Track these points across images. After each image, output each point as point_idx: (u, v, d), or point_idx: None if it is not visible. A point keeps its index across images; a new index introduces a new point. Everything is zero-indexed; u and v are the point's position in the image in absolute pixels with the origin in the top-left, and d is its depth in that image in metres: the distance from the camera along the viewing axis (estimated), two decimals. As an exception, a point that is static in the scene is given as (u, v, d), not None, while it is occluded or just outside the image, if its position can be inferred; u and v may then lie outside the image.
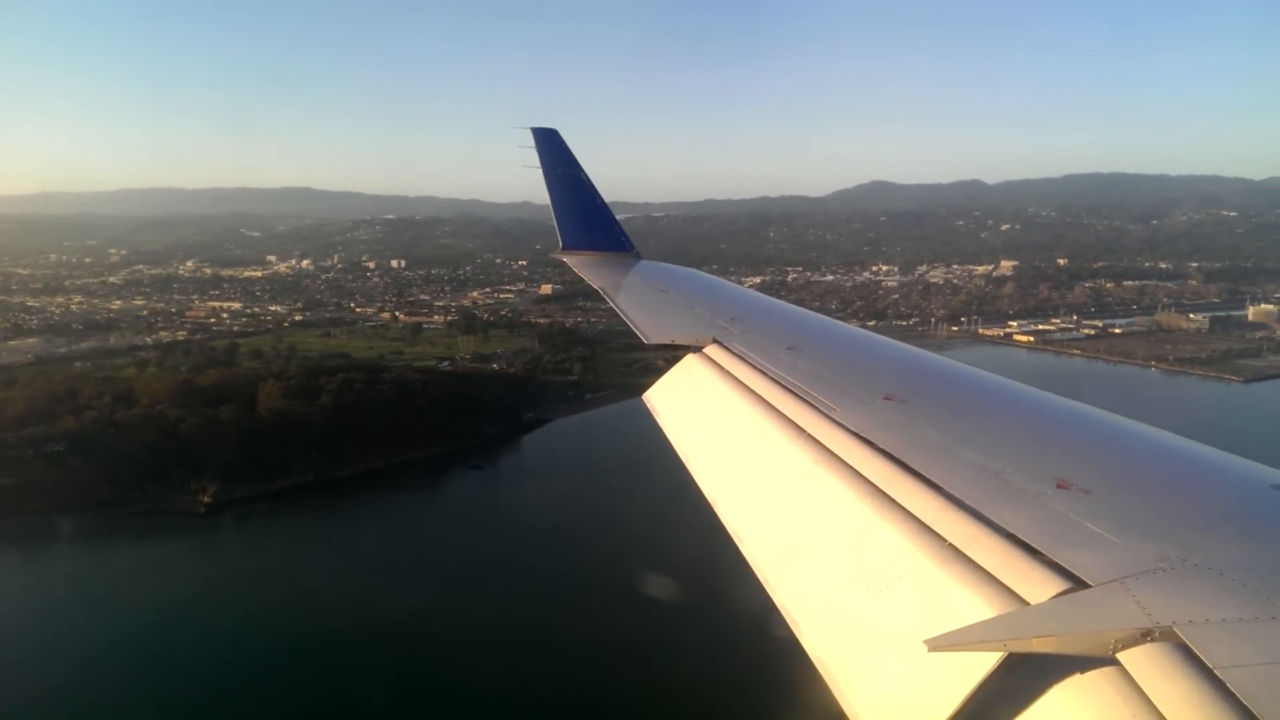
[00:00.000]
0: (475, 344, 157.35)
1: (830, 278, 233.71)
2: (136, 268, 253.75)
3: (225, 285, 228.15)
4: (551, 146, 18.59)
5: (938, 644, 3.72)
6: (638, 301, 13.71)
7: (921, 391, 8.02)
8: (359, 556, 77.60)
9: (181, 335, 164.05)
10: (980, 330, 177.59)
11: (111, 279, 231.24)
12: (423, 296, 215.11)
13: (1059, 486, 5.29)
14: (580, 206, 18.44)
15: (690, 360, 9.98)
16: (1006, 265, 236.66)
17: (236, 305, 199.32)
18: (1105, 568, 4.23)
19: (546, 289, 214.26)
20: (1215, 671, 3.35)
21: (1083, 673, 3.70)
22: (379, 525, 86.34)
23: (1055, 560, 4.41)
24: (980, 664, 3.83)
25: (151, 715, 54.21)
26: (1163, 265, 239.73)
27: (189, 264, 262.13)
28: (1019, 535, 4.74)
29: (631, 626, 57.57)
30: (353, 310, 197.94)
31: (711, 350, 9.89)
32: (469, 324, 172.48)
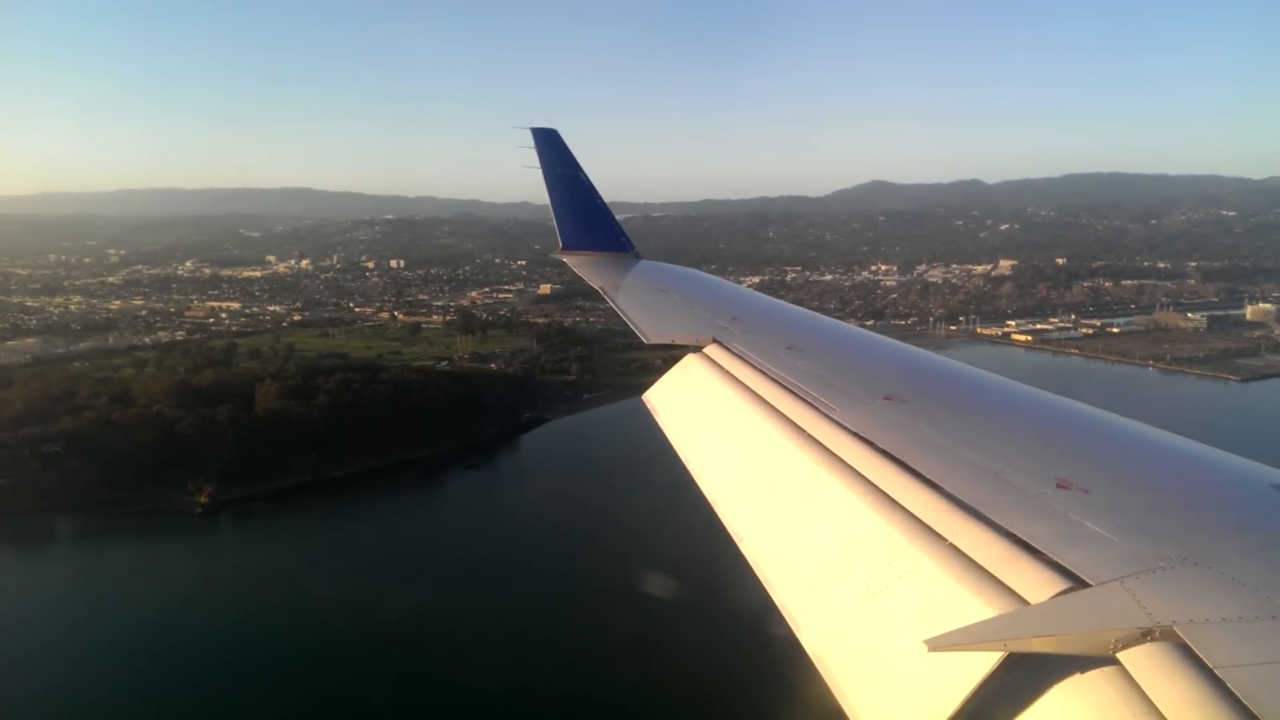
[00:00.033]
0: (473, 344, 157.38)
1: (829, 277, 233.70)
2: (135, 268, 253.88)
3: (224, 285, 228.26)
4: (551, 147, 18.59)
5: (938, 644, 3.73)
6: (638, 301, 13.71)
7: (921, 391, 8.03)
8: (356, 556, 77.63)
9: (180, 335, 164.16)
10: (978, 330, 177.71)
11: (110, 279, 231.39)
12: (421, 296, 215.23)
13: (1059, 486, 5.30)
14: (580, 207, 18.43)
15: (690, 360, 10.00)
16: (1005, 265, 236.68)
17: (235, 305, 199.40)
18: (1105, 567, 4.23)
19: (545, 289, 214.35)
20: (1215, 671, 3.34)
21: (1083, 672, 3.70)
22: (376, 525, 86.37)
23: (1055, 560, 4.41)
24: (980, 664, 3.83)
25: (148, 715, 54.17)
26: (1161, 265, 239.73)
27: (188, 264, 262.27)
28: (1019, 535, 4.74)
29: (630, 626, 57.49)
30: (351, 310, 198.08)
31: (711, 350, 9.91)
32: (467, 324, 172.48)
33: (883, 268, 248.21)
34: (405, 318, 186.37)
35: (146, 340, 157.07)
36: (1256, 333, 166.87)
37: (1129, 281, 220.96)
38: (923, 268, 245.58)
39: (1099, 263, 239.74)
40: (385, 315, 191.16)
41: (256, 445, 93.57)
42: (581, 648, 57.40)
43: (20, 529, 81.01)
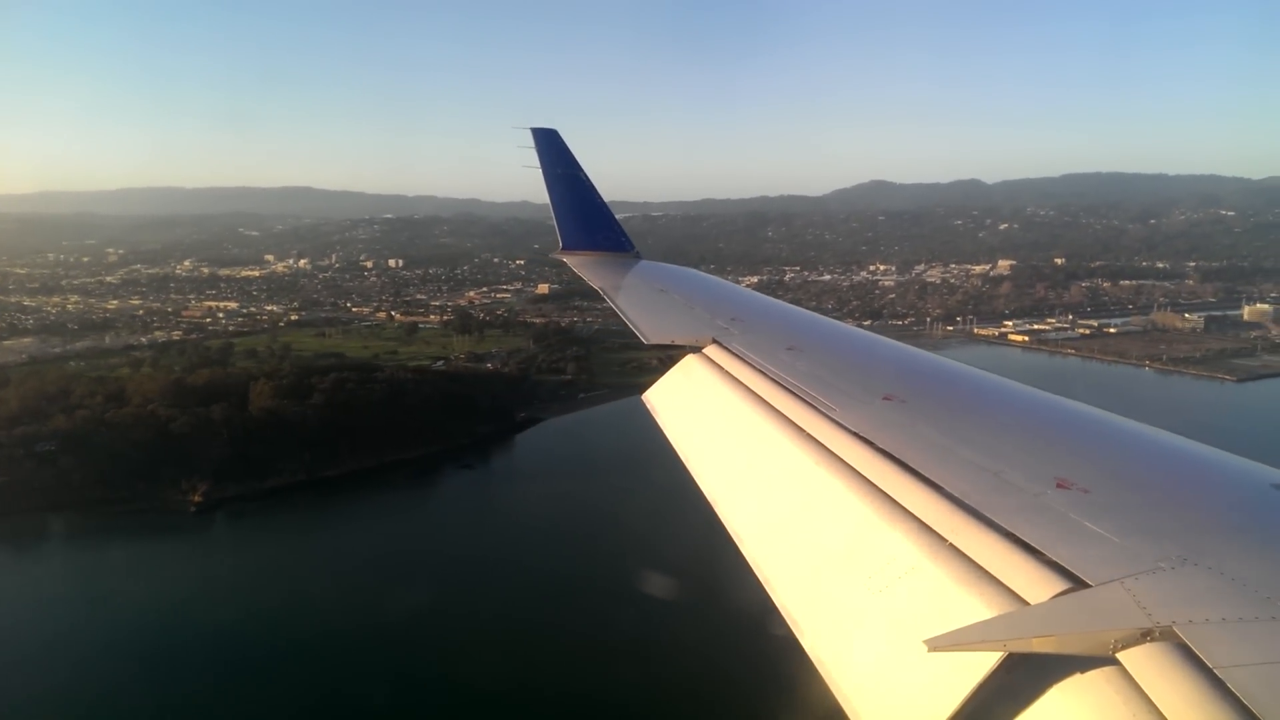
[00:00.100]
0: (470, 343, 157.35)
1: (828, 277, 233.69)
2: (134, 267, 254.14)
3: (222, 285, 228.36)
4: (551, 146, 18.59)
5: (937, 644, 3.73)
6: (637, 302, 13.71)
7: (921, 391, 8.04)
8: (349, 555, 77.56)
9: (177, 335, 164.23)
10: (975, 330, 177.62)
11: (109, 278, 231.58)
12: (419, 296, 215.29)
13: (1059, 486, 5.30)
14: (580, 206, 18.42)
15: (690, 360, 10.00)
16: (1004, 265, 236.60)
17: (233, 305, 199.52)
18: (1105, 567, 4.22)
19: (543, 288, 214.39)
20: (1215, 671, 3.33)
21: (1083, 672, 3.70)
22: (369, 524, 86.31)
23: (1055, 560, 4.40)
24: (980, 664, 3.83)
25: (144, 714, 54.15)
26: (1160, 265, 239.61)
27: (186, 263, 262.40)
28: (1019, 535, 4.73)
29: (629, 626, 57.28)
30: (349, 310, 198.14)
31: (711, 350, 9.91)
32: (464, 323, 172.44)
33: (881, 267, 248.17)
34: (402, 317, 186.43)
35: (143, 340, 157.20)
36: (1254, 333, 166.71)
37: (1127, 282, 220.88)
38: (921, 267, 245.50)
39: (1097, 263, 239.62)
40: (382, 315, 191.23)
41: (251, 444, 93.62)
42: (579, 647, 57.22)
43: (14, 528, 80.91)
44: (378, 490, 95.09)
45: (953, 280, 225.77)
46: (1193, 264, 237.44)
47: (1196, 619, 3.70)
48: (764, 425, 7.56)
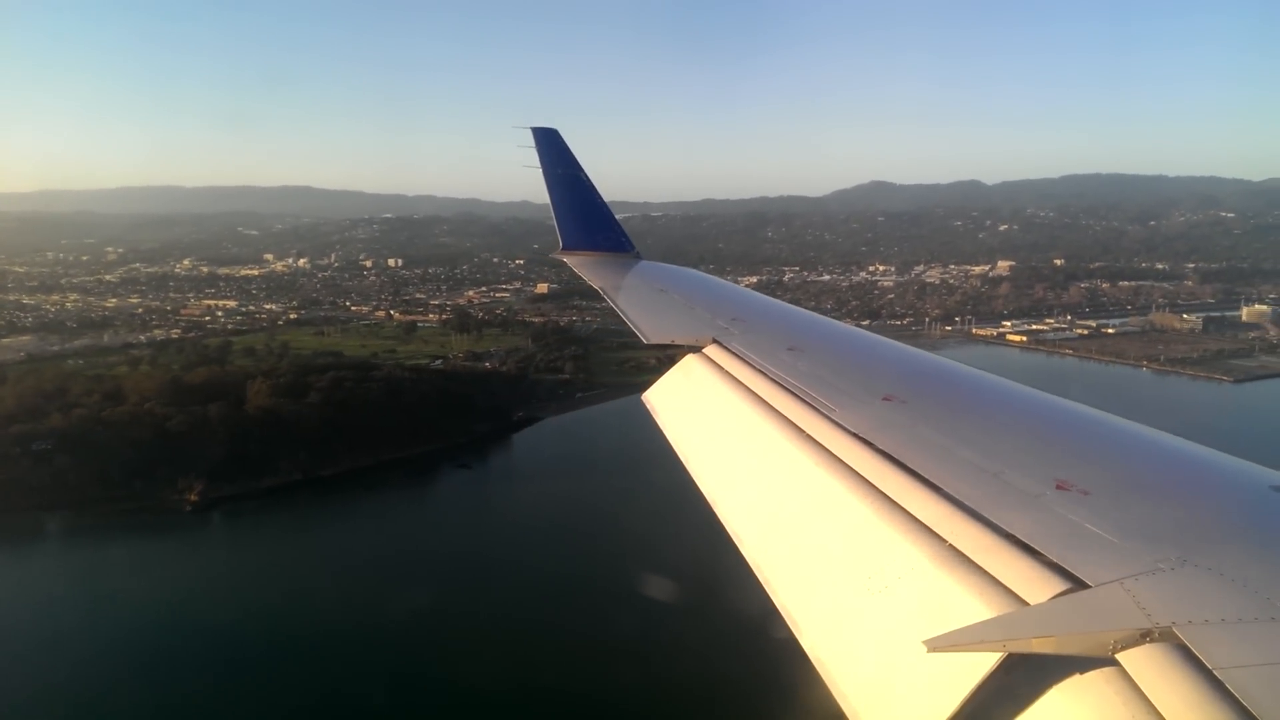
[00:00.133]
0: (469, 343, 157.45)
1: (827, 277, 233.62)
2: (133, 266, 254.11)
3: (221, 283, 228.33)
4: (551, 146, 18.59)
5: (937, 644, 3.72)
6: (637, 302, 13.73)
7: (921, 392, 8.04)
8: (345, 554, 77.72)
9: (175, 333, 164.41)
10: (974, 330, 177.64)
11: (108, 277, 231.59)
12: (418, 295, 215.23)
13: (1058, 487, 5.30)
14: (580, 207, 18.41)
15: (690, 361, 10.02)
16: (1003, 265, 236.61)
17: (232, 303, 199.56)
18: (1104, 568, 4.23)
19: (542, 288, 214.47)
20: (1214, 672, 3.34)
21: (1082, 673, 3.70)
22: (366, 523, 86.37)
23: (1054, 561, 4.41)
24: (979, 664, 3.84)
25: (139, 713, 54.16)
26: (1159, 266, 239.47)
27: (185, 262, 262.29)
28: (1018, 536, 4.74)
29: (627, 626, 57.11)
30: (348, 309, 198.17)
31: (711, 351, 9.93)
32: (463, 322, 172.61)
33: (880, 268, 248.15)
34: (401, 316, 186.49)
35: (141, 338, 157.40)
36: (1251, 334, 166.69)
37: (1126, 283, 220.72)
38: (920, 268, 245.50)
39: (1097, 264, 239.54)
40: (381, 314, 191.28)
41: (247, 443, 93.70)
42: (577, 647, 57.23)
43: (9, 527, 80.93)
44: (374, 489, 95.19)
45: (952, 281, 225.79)
46: (1192, 265, 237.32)
47: (1196, 620, 3.71)
48: (764, 425, 7.57)
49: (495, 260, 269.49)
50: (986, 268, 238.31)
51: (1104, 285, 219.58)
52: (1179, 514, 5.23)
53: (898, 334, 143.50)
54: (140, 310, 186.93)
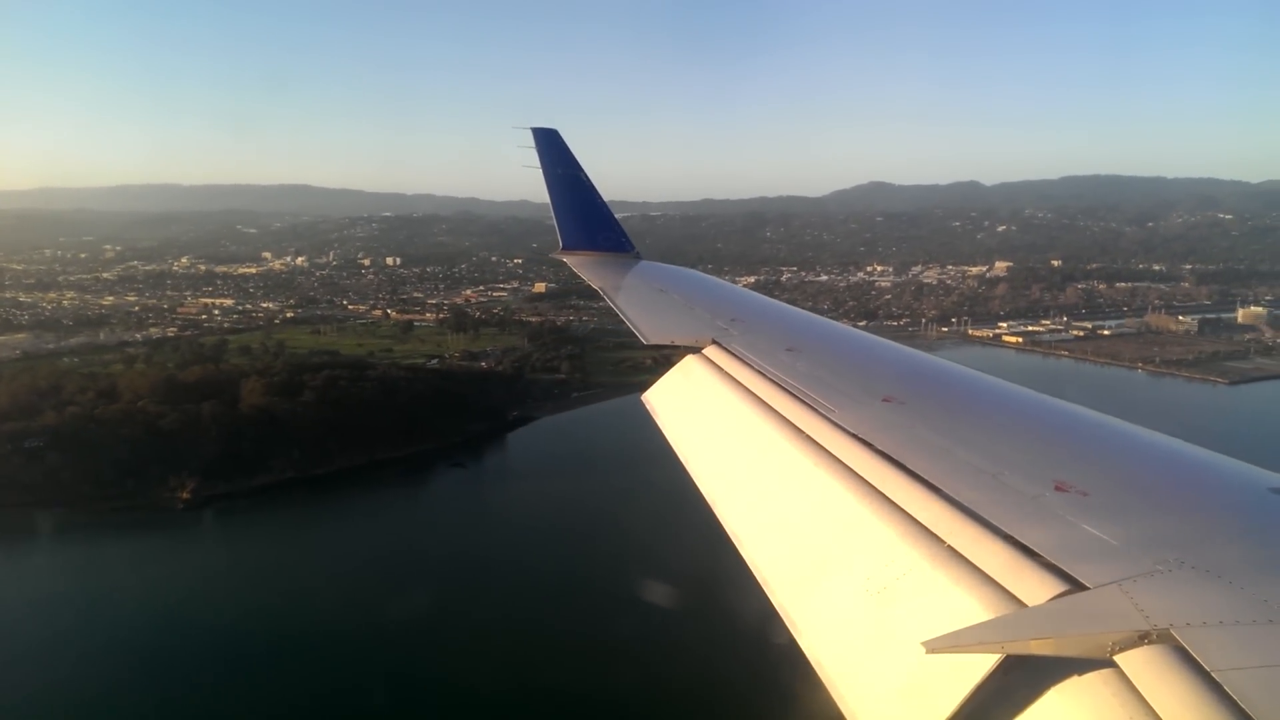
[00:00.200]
0: (465, 342, 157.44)
1: (824, 278, 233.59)
2: (131, 264, 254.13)
3: (218, 282, 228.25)
4: (552, 146, 18.61)
5: (936, 645, 3.72)
6: (637, 302, 13.75)
7: (920, 393, 8.05)
8: (337, 553, 77.67)
9: (171, 332, 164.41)
10: (970, 331, 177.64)
11: (105, 275, 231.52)
12: (416, 294, 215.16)
13: (1057, 489, 5.30)
14: (580, 207, 18.43)
15: (689, 361, 10.02)
16: (1000, 266, 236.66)
17: (228, 302, 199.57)
18: (1103, 570, 4.23)
19: (540, 287, 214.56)
20: (1212, 674, 3.33)
21: (1080, 675, 3.70)
22: (358, 523, 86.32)
23: (1053, 562, 4.41)
24: (978, 666, 3.84)
25: (132, 711, 54.04)
26: (1157, 267, 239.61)
27: (183, 260, 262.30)
28: (1017, 537, 4.74)
29: (623, 626, 57.01)
30: (345, 308, 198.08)
31: (710, 351, 9.93)
32: (460, 322, 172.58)
33: (878, 268, 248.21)
34: (398, 315, 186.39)
35: (137, 336, 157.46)
36: (1247, 336, 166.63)
37: (1123, 284, 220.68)
38: (918, 269, 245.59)
39: (1094, 265, 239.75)
40: (378, 313, 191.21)
41: (241, 442, 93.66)
42: (574, 647, 57.07)
43: (1, 524, 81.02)
44: (368, 488, 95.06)
45: (949, 281, 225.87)
46: (1189, 267, 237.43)
47: (1194, 622, 3.71)
48: (763, 426, 7.57)
49: (493, 259, 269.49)
50: (984, 268, 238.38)
51: (1101, 286, 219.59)
52: (1177, 516, 5.23)
53: (894, 334, 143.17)
54: (137, 308, 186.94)
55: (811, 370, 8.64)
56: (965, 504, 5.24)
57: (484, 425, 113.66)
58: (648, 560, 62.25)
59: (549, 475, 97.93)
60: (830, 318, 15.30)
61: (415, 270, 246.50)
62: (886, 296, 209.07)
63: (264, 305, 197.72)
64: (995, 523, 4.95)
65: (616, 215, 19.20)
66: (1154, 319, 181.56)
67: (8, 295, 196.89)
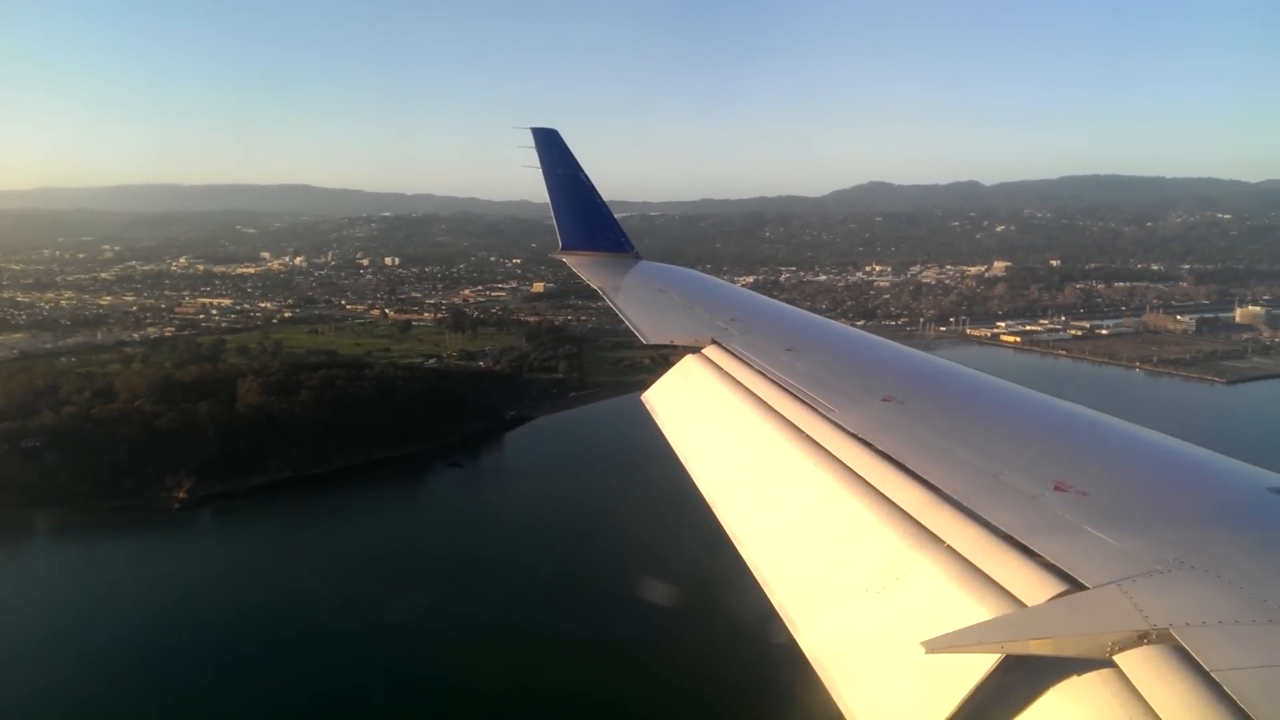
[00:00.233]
0: (463, 341, 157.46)
1: (823, 278, 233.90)
2: (129, 264, 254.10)
3: (217, 282, 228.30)
4: (551, 146, 18.60)
5: (935, 645, 3.71)
6: (636, 302, 13.75)
7: (920, 393, 8.04)
8: (334, 553, 77.64)
9: (169, 331, 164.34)
10: (968, 330, 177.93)
11: (103, 275, 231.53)
12: (414, 294, 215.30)
13: (1057, 489, 5.29)
14: (580, 207, 18.40)
15: (689, 361, 10.01)
16: (999, 266, 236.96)
17: (227, 301, 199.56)
18: (1102, 570, 4.23)
19: (539, 287, 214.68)
20: (1212, 674, 3.34)
21: (1079, 675, 3.70)
22: (355, 522, 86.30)
23: (1052, 562, 4.40)
24: (977, 666, 3.83)
25: (128, 710, 54.01)
26: (1155, 267, 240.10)
27: (182, 260, 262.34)
28: (1016, 537, 4.74)
29: (622, 626, 57.00)
30: (343, 307, 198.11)
31: (710, 351, 9.93)
32: (458, 321, 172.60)
33: (877, 268, 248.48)
34: (397, 315, 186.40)
35: (135, 336, 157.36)
36: (1245, 335, 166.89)
37: (1121, 284, 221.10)
38: (917, 268, 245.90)
39: (1093, 265, 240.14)
40: (377, 313, 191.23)
41: (238, 441, 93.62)
42: (574, 647, 57.00)
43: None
44: (365, 488, 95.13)
45: (948, 281, 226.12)
46: (1188, 266, 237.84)
47: (1193, 621, 3.70)
48: (763, 426, 7.56)
49: (492, 259, 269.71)
50: (982, 268, 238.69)
51: (1099, 286, 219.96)
52: (1177, 516, 5.21)
53: (892, 334, 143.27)
54: (135, 308, 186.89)
55: (811, 370, 8.62)
56: (965, 503, 5.23)
57: (482, 425, 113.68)
58: (647, 560, 62.21)
59: (547, 475, 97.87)
60: (829, 317, 15.29)
61: (414, 270, 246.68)
62: (885, 296, 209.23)
63: (262, 305, 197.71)
64: (995, 522, 4.94)
65: (616, 215, 19.17)
66: (1152, 318, 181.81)
67: (5, 295, 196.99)
